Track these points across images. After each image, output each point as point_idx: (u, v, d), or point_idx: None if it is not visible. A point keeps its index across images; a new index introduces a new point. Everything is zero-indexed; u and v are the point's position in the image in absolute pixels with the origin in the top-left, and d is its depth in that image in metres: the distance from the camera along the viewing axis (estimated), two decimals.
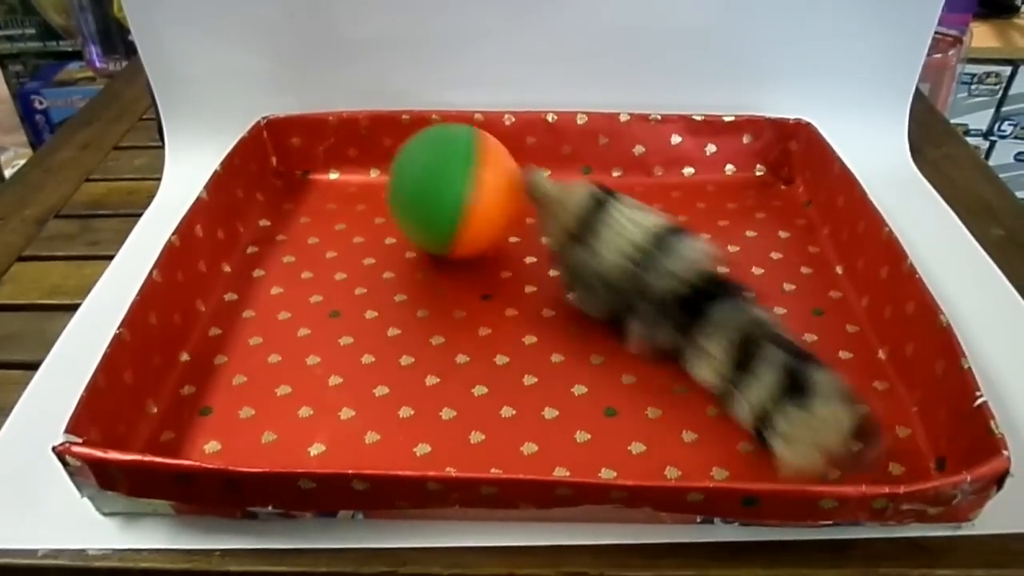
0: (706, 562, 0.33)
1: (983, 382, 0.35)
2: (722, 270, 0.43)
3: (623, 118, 0.58)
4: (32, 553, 0.34)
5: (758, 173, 0.59)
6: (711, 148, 0.59)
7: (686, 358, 0.41)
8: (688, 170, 0.59)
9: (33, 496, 0.36)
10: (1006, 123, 1.25)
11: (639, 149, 0.59)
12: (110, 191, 0.62)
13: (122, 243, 0.53)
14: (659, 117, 0.58)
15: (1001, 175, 0.61)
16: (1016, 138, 1.27)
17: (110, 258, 0.52)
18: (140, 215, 0.56)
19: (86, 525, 0.35)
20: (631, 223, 0.42)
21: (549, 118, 0.58)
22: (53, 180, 0.63)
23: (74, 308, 0.48)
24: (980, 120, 1.25)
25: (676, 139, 0.59)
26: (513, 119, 0.58)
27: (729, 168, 0.59)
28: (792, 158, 0.58)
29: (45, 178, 0.63)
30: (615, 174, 0.59)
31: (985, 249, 0.51)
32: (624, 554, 0.33)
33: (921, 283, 0.41)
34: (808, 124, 0.57)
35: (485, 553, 0.34)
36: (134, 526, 0.35)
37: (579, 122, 0.58)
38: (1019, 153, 1.30)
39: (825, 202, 0.54)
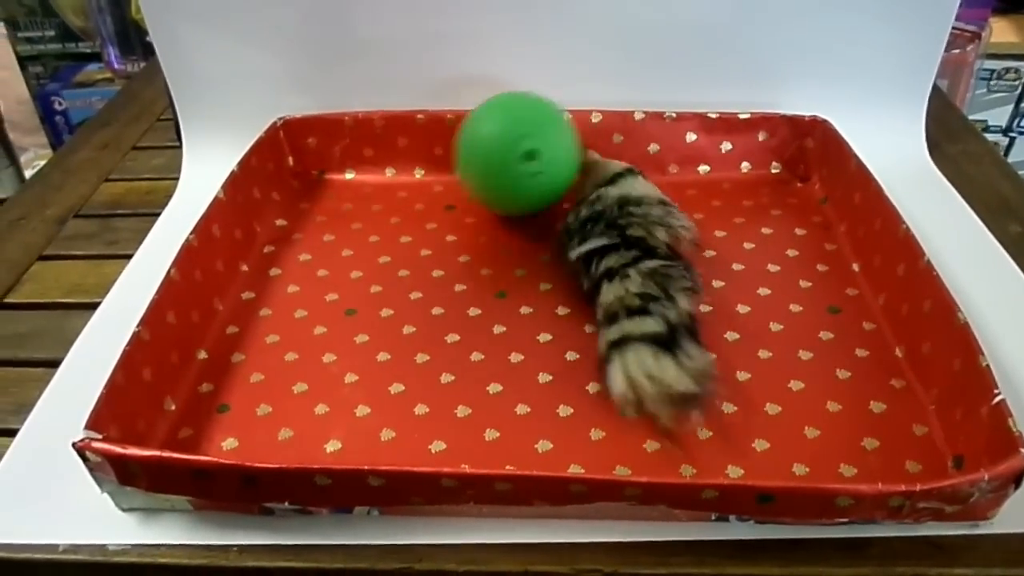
0: (720, 560, 0.33)
1: (1001, 380, 0.35)
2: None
3: (638, 116, 0.58)
4: (53, 548, 0.35)
5: (774, 171, 0.59)
6: (726, 146, 0.59)
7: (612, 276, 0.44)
8: (703, 168, 0.59)
9: (54, 492, 0.37)
10: None
11: (654, 147, 0.59)
12: (129, 191, 0.62)
13: (141, 242, 0.54)
14: (674, 115, 0.58)
15: (1021, 172, 0.61)
16: None
17: (129, 257, 0.52)
18: (158, 214, 0.57)
19: (105, 520, 0.36)
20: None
21: None
22: (72, 180, 0.64)
23: (94, 307, 0.48)
24: (999, 116, 1.23)
25: (691, 137, 0.58)
26: None
27: (745, 166, 0.59)
28: (808, 155, 0.58)
29: (64, 178, 0.64)
30: None
31: (1003, 245, 0.51)
32: (637, 552, 0.33)
33: (938, 280, 0.41)
34: (824, 121, 0.56)
35: (499, 550, 0.34)
36: (153, 521, 0.35)
37: (593, 120, 0.58)
38: None
39: (841, 199, 0.53)
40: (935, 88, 0.61)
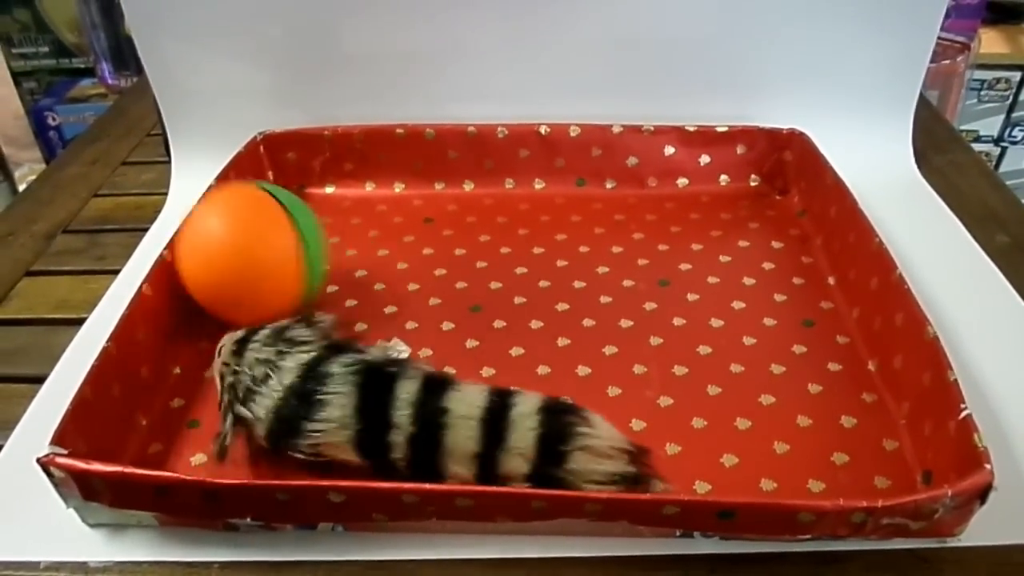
0: (706, 574, 0.33)
1: (985, 392, 0.35)
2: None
3: (616, 129, 0.58)
4: (34, 565, 0.35)
5: (752, 183, 0.59)
6: (705, 159, 0.59)
7: None
8: (682, 181, 0.59)
9: (35, 509, 0.36)
10: (1017, 129, 1.23)
11: (632, 160, 0.59)
12: (117, 206, 0.62)
13: (128, 258, 0.54)
14: (652, 128, 0.58)
15: (1013, 181, 0.61)
16: None
17: (116, 272, 0.52)
18: (147, 230, 0.57)
19: (83, 537, 0.35)
20: None
21: (542, 130, 0.58)
22: (62, 195, 0.64)
23: (80, 322, 0.48)
24: (991, 126, 1.23)
25: (669, 150, 0.58)
26: (506, 131, 0.58)
27: (723, 178, 0.59)
28: (786, 168, 0.58)
29: (54, 193, 0.64)
30: (608, 186, 0.59)
31: (990, 256, 0.51)
32: (625, 565, 0.33)
33: (910, 294, 0.41)
34: (802, 134, 0.56)
35: (486, 565, 0.34)
36: (123, 537, 0.35)
37: (572, 134, 0.58)
38: None
39: (819, 212, 0.53)
40: (922, 99, 0.61)
